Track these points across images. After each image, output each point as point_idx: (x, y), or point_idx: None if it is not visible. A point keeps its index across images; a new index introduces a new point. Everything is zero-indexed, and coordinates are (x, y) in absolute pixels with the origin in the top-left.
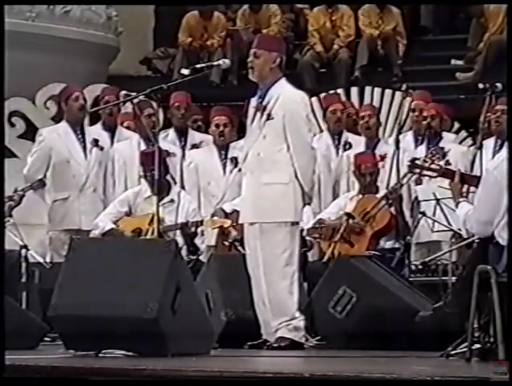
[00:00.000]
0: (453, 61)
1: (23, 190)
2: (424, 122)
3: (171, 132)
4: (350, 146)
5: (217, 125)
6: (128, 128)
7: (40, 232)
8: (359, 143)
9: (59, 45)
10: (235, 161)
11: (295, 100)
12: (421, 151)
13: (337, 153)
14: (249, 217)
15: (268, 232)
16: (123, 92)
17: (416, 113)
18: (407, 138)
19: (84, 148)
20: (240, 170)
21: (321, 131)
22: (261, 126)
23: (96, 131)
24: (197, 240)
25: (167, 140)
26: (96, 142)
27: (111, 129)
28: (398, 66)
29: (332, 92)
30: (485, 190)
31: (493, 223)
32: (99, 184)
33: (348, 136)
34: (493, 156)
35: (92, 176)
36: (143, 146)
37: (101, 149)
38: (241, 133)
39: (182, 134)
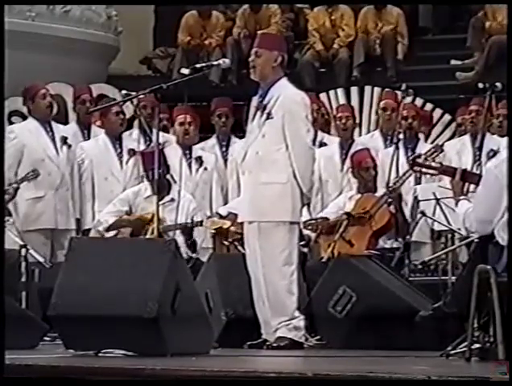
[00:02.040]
0: (453, 61)
1: (17, 183)
2: (404, 122)
3: (135, 130)
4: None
5: (182, 124)
6: (101, 126)
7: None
8: (332, 144)
9: (59, 45)
10: (200, 160)
11: (295, 101)
12: (402, 152)
13: None
14: (248, 216)
15: (267, 232)
16: (123, 92)
17: (388, 112)
18: (375, 137)
19: (55, 145)
20: (206, 168)
21: None
22: (260, 125)
23: (63, 128)
24: (197, 240)
25: (132, 138)
26: (64, 140)
27: (86, 128)
28: (393, 68)
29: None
30: (485, 189)
31: (493, 221)
32: (69, 184)
33: (323, 136)
34: (474, 154)
35: (65, 174)
36: (109, 145)
37: (69, 146)
38: (205, 133)
39: (146, 133)
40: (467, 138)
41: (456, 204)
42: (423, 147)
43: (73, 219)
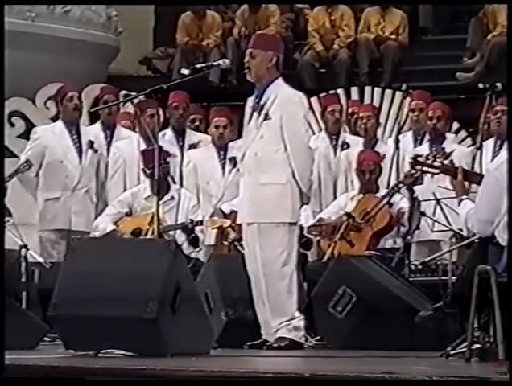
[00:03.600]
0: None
1: (11, 176)
2: (430, 122)
3: (169, 132)
4: (348, 147)
5: (217, 127)
6: (127, 127)
7: None
8: (357, 143)
9: (59, 45)
10: (234, 161)
11: (293, 101)
12: (424, 151)
13: (335, 153)
14: (247, 217)
15: (266, 233)
16: (123, 92)
17: (416, 113)
18: (407, 138)
19: (79, 149)
20: (239, 170)
21: (320, 130)
22: (258, 126)
23: (92, 132)
24: (199, 234)
25: (165, 140)
26: (91, 144)
27: (110, 129)
28: (389, 72)
29: (332, 92)
30: (486, 190)
31: (494, 222)
32: (91, 185)
33: (345, 136)
34: (493, 157)
35: (85, 177)
36: (143, 146)
37: (96, 151)
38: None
39: (180, 134)
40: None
41: (459, 204)
42: (450, 147)
43: (91, 221)
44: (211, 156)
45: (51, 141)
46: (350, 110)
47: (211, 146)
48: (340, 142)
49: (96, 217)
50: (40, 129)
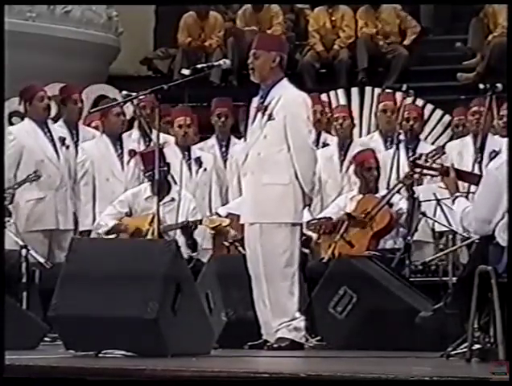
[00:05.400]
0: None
1: (19, 184)
2: (406, 124)
3: (135, 131)
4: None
5: (180, 126)
6: (96, 128)
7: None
8: (331, 143)
9: (59, 45)
10: (199, 161)
11: (297, 102)
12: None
13: None
14: (250, 218)
15: (268, 233)
16: (123, 92)
17: (388, 114)
18: (375, 138)
19: (54, 146)
20: (205, 169)
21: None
22: (262, 126)
23: (59, 129)
24: (197, 238)
25: (131, 139)
26: (63, 141)
27: (73, 127)
28: (395, 76)
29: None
30: (485, 190)
31: (491, 222)
32: (69, 184)
33: (326, 137)
34: (476, 155)
35: (64, 175)
36: (110, 146)
37: (67, 147)
38: (205, 133)
39: (146, 134)
40: (469, 139)
41: (453, 202)
42: (423, 148)
43: (72, 219)
44: (175, 156)
45: (27, 141)
46: (326, 110)
47: (174, 147)
48: (320, 143)
49: (74, 215)
50: (14, 128)
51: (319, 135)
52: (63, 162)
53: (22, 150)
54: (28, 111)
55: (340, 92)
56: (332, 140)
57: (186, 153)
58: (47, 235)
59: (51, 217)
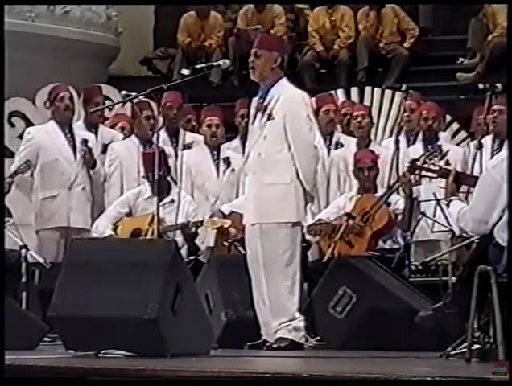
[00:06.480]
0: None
1: (11, 176)
2: (424, 123)
3: (162, 132)
4: (342, 146)
5: (209, 126)
6: (123, 128)
7: None
8: (350, 143)
9: (59, 45)
10: (227, 161)
11: (296, 100)
12: (418, 151)
13: (329, 153)
14: (252, 218)
15: (269, 233)
16: (123, 92)
17: (407, 113)
18: (401, 139)
19: (73, 147)
20: (233, 170)
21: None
22: (262, 126)
23: (86, 133)
24: (197, 241)
25: (159, 140)
26: (85, 143)
27: (94, 128)
28: (396, 77)
29: (325, 92)
30: (482, 189)
31: (488, 221)
32: (87, 183)
33: (339, 136)
34: (492, 155)
35: (81, 174)
36: (141, 147)
37: (90, 149)
38: (230, 133)
39: (173, 134)
40: (488, 138)
41: (448, 204)
42: (444, 146)
43: (89, 218)
44: (204, 156)
45: (44, 141)
46: (343, 110)
47: (204, 146)
48: (333, 142)
49: (92, 214)
50: (33, 129)
51: (331, 135)
52: (81, 162)
53: (39, 151)
54: (52, 112)
55: (340, 91)
56: (345, 140)
57: (215, 152)
58: (63, 233)
59: (63, 215)
